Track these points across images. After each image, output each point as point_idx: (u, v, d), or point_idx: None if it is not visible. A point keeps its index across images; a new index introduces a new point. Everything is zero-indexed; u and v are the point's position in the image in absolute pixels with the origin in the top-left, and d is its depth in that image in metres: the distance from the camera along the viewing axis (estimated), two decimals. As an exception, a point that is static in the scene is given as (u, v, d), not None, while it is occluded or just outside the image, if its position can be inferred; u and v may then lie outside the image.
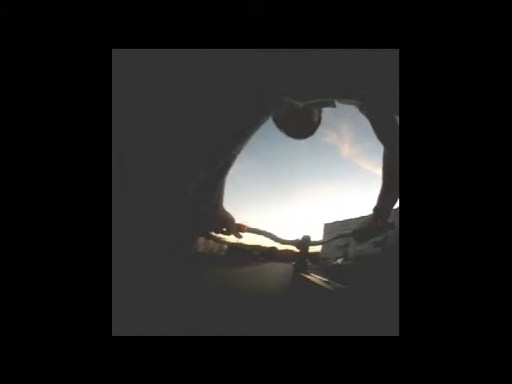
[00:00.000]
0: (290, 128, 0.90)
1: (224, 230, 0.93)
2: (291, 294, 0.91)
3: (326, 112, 0.92)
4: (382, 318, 0.46)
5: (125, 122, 0.63)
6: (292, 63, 0.64)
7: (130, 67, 0.61)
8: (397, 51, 0.48)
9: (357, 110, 0.77)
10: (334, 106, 0.82)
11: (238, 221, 0.94)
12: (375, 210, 0.94)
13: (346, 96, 0.73)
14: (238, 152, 0.83)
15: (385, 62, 0.59)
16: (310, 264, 0.94)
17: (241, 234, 0.95)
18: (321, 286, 0.68)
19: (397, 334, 0.43)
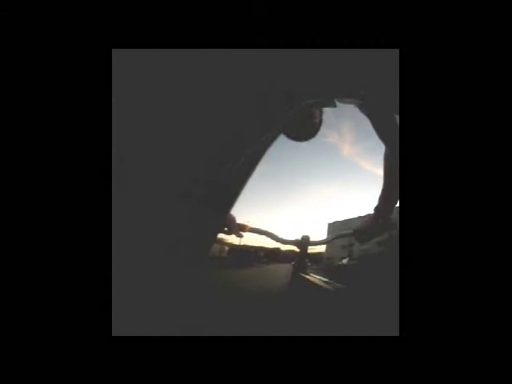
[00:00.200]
0: (291, 130, 0.89)
1: (226, 229, 0.93)
2: (290, 294, 0.91)
3: (327, 112, 0.91)
4: (382, 318, 0.46)
5: (125, 122, 0.63)
6: (292, 63, 0.64)
7: (130, 67, 0.60)
8: (397, 51, 0.48)
9: (357, 109, 0.77)
10: (335, 106, 0.82)
11: (239, 221, 0.94)
12: (376, 209, 0.93)
13: (347, 95, 0.73)
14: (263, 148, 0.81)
15: (385, 62, 0.59)
16: (309, 264, 0.94)
17: (242, 234, 0.95)
18: (320, 286, 0.68)
19: (397, 334, 0.43)
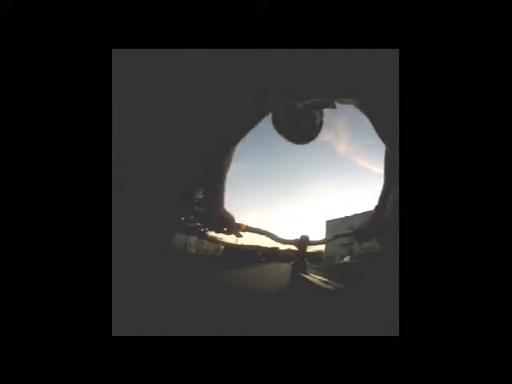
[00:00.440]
0: (291, 132, 0.89)
1: (225, 229, 0.93)
2: (289, 294, 0.91)
3: (324, 112, 0.91)
4: (382, 318, 0.46)
5: (124, 122, 0.63)
6: (292, 63, 0.64)
7: (130, 67, 0.61)
8: (397, 51, 0.48)
9: (352, 108, 0.77)
10: (335, 107, 0.82)
11: (236, 221, 0.94)
12: (376, 208, 0.93)
13: (346, 95, 0.72)
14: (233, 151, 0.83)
15: (385, 62, 0.59)
16: (308, 264, 0.93)
17: (241, 233, 0.95)
18: (320, 286, 0.68)
19: (397, 334, 0.43)
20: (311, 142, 0.92)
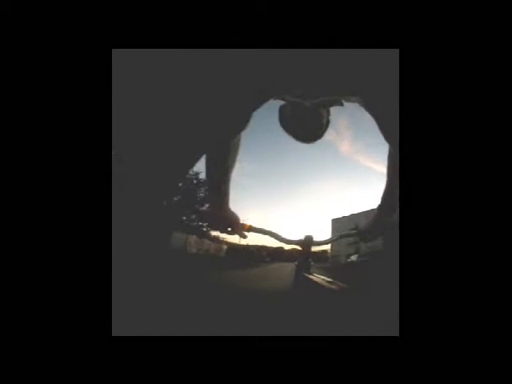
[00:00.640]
0: (298, 131, 0.89)
1: (229, 229, 0.93)
2: (292, 294, 0.91)
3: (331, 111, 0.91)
4: (382, 318, 0.46)
5: (124, 122, 0.63)
6: (292, 63, 0.64)
7: (130, 67, 0.61)
8: (397, 51, 0.48)
9: (353, 107, 0.77)
10: (342, 105, 0.82)
11: (240, 220, 0.94)
12: (380, 208, 0.93)
13: (351, 94, 0.72)
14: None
15: (385, 62, 0.59)
16: (312, 264, 0.93)
17: (245, 233, 0.95)
18: (323, 286, 0.68)
19: (397, 334, 0.43)
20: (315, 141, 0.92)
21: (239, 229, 0.93)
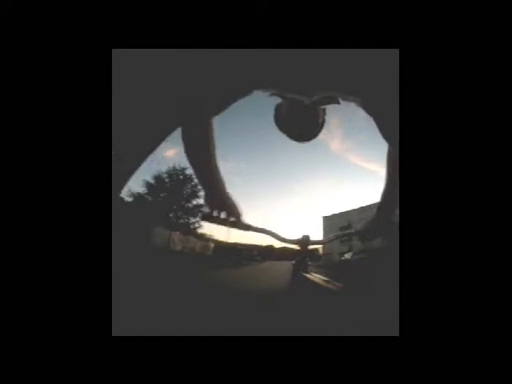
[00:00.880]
0: (294, 130, 0.88)
1: (225, 215, 0.88)
2: (290, 293, 0.91)
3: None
4: (382, 318, 0.46)
5: (124, 122, 0.63)
6: (292, 63, 0.64)
7: (130, 67, 0.61)
8: (397, 51, 0.48)
9: (344, 105, 0.77)
10: (339, 103, 0.82)
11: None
12: (379, 207, 0.93)
13: (349, 94, 0.72)
14: None
15: (385, 62, 0.59)
16: (310, 263, 0.93)
17: (249, 225, 0.90)
18: (321, 285, 0.68)
19: (397, 334, 0.43)
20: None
21: (237, 216, 0.87)
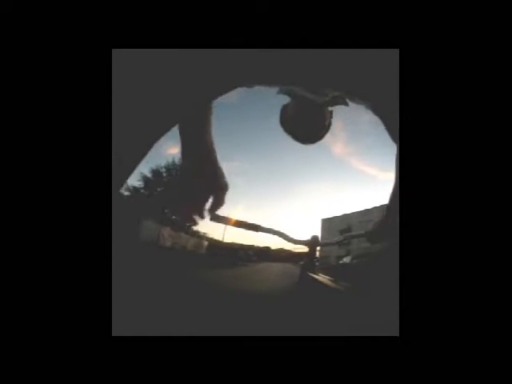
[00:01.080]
0: (300, 131, 0.87)
1: (239, 221, 0.85)
2: (295, 293, 0.91)
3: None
4: (382, 318, 0.46)
5: (124, 122, 0.63)
6: (292, 63, 0.64)
7: (130, 67, 0.60)
8: (397, 51, 0.48)
9: (348, 108, 0.77)
10: (347, 105, 0.81)
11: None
12: (387, 209, 0.93)
13: (351, 94, 0.72)
14: None
15: (385, 62, 0.59)
16: (317, 264, 0.94)
17: (256, 226, 0.87)
18: (327, 286, 0.68)
19: (397, 334, 0.43)
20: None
21: (222, 190, 0.77)
